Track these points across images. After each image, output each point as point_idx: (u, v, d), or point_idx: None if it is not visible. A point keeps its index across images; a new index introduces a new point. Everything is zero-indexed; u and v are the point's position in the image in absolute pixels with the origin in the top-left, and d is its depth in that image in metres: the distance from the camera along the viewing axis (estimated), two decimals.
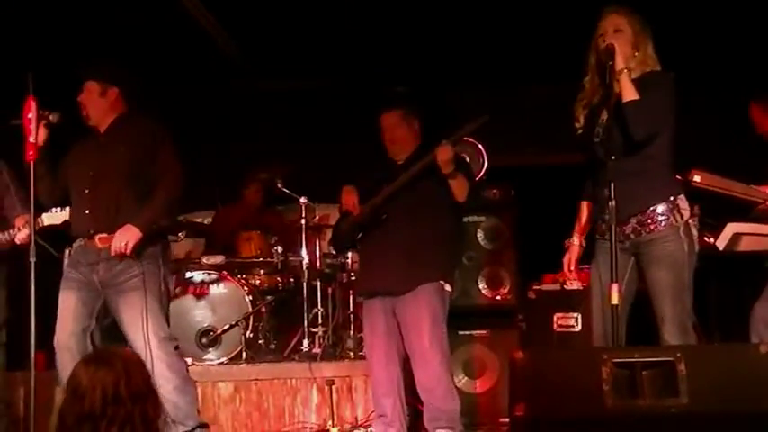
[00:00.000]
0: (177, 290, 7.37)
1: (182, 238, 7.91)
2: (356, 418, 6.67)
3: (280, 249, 7.90)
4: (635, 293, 4.81)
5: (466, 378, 6.82)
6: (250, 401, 6.73)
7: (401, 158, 6.01)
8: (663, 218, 4.66)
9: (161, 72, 8.42)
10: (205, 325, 7.47)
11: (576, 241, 5.07)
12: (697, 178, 4.67)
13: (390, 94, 8.44)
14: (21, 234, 5.83)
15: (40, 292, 5.06)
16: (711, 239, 5.21)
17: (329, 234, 6.98)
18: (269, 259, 8.03)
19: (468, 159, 6.75)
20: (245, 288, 7.69)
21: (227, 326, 7.44)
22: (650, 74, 4.73)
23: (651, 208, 4.67)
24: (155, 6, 7.57)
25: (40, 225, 5.59)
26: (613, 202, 4.43)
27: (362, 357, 6.40)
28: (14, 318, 6.03)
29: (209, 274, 7.64)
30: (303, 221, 7.73)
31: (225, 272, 7.73)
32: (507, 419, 4.54)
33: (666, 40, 4.88)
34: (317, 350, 7.30)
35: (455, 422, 5.80)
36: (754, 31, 7.87)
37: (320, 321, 7.59)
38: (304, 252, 7.68)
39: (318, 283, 7.73)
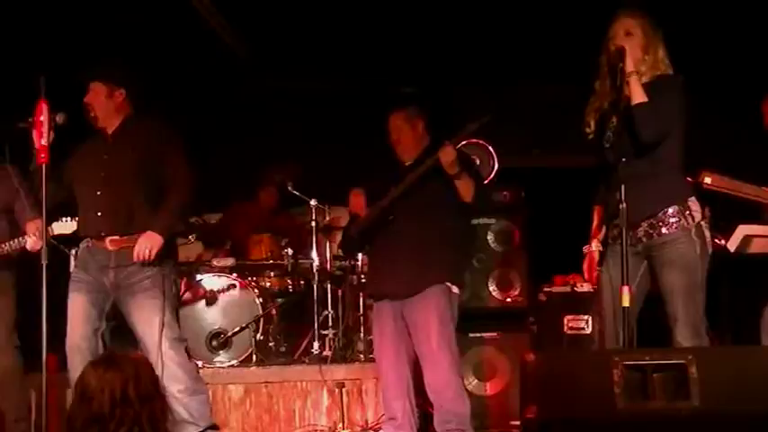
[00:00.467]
0: (188, 293, 7.40)
1: (192, 240, 7.92)
2: (366, 421, 6.67)
3: (290, 252, 7.89)
4: (645, 297, 4.80)
5: (476, 380, 6.81)
6: (260, 404, 6.73)
7: (408, 160, 6.01)
8: (674, 220, 4.65)
9: (172, 72, 8.41)
10: (215, 327, 7.46)
11: (594, 247, 5.06)
12: (708, 180, 4.67)
13: (398, 95, 8.42)
14: (31, 241, 5.83)
15: (51, 295, 5.06)
16: (722, 241, 5.19)
17: (339, 236, 6.98)
18: (279, 262, 8.03)
19: (478, 161, 6.75)
20: (256, 291, 7.69)
21: (238, 328, 7.43)
22: (660, 77, 4.73)
23: (662, 211, 4.67)
24: (165, 8, 7.57)
25: (50, 234, 5.59)
26: (624, 205, 4.43)
27: (373, 360, 6.39)
28: (25, 321, 6.04)
29: (219, 276, 7.64)
30: (313, 224, 7.72)
31: (235, 274, 7.73)
32: (518, 422, 4.52)
33: (676, 41, 4.87)
34: (327, 353, 7.29)
35: (465, 425, 5.78)
36: (764, 32, 7.84)
37: (330, 324, 7.58)
38: (314, 254, 7.68)
39: (329, 286, 7.72)
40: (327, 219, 7.97)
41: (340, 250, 7.18)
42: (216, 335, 7.44)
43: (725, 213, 5.24)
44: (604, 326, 4.80)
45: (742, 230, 5.12)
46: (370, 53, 8.62)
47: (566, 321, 7.08)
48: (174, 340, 5.48)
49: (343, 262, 7.75)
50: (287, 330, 7.94)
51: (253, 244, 8.27)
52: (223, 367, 7.25)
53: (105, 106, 5.62)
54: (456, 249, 5.94)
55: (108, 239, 5.52)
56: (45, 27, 7.51)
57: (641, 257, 4.74)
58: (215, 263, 7.81)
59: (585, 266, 5.11)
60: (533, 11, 7.85)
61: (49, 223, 5.48)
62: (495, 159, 7.01)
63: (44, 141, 5.18)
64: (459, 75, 9.09)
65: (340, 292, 7.80)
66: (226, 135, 9.38)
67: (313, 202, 7.73)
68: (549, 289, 7.29)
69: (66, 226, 5.79)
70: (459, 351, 5.94)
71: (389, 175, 6.01)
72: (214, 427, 5.67)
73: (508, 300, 6.92)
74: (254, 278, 7.99)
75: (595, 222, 5.06)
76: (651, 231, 4.68)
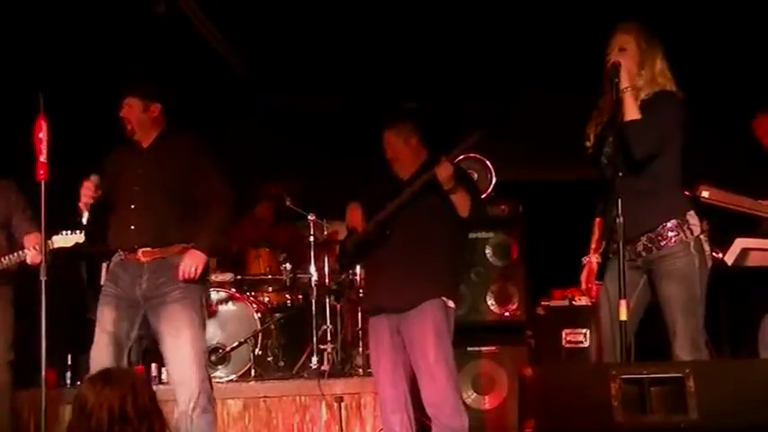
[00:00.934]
0: None
1: None
2: None
3: (288, 266, 7.91)
4: (644, 311, 4.80)
5: (475, 394, 6.81)
6: (259, 419, 6.74)
7: (405, 175, 6.02)
8: (673, 234, 4.66)
9: (171, 88, 8.42)
10: (214, 342, 7.46)
11: (592, 258, 5.06)
12: (705, 193, 4.67)
13: (397, 110, 8.44)
14: (31, 254, 5.84)
15: (50, 311, 5.07)
16: (720, 255, 5.20)
17: (337, 251, 6.98)
18: (278, 276, 8.05)
19: (475, 176, 6.76)
20: (254, 305, 7.70)
21: (236, 343, 7.44)
22: (658, 93, 4.73)
23: (661, 225, 4.68)
24: (164, 26, 7.59)
25: (51, 247, 5.60)
26: (621, 219, 4.44)
27: (371, 374, 6.39)
28: (23, 336, 6.04)
29: (218, 291, 7.65)
30: (312, 238, 7.74)
31: (234, 289, 7.74)
32: None
33: (676, 56, 4.88)
34: (325, 367, 7.30)
35: None
36: (759, 45, 7.87)
37: (329, 338, 7.59)
38: (313, 269, 7.69)
39: (327, 300, 7.73)
40: (325, 233, 7.98)
41: (337, 264, 7.18)
42: (214, 349, 7.44)
43: (722, 227, 5.25)
44: (602, 339, 4.81)
45: (739, 244, 5.12)
46: (369, 68, 8.64)
47: (564, 335, 7.09)
48: (197, 356, 5.46)
49: (341, 276, 7.75)
50: (285, 345, 7.94)
51: (252, 258, 8.29)
52: (222, 382, 7.25)
53: (141, 120, 5.62)
54: (452, 264, 5.95)
55: (141, 251, 5.51)
56: (49, 46, 7.53)
57: (641, 272, 4.75)
58: (214, 278, 7.80)
59: (583, 277, 5.11)
60: (532, 24, 7.88)
61: (48, 236, 5.49)
62: (493, 173, 7.01)
63: (43, 158, 5.19)
64: (458, 89, 9.11)
65: (338, 307, 7.81)
66: (224, 150, 9.35)
67: (311, 217, 7.74)
68: (547, 303, 7.32)
69: (66, 239, 5.80)
70: (457, 364, 5.94)
71: (387, 190, 6.02)
72: None
73: (506, 313, 6.92)
74: (253, 293, 8.00)
75: (596, 235, 5.06)
76: (650, 245, 4.69)
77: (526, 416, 3.79)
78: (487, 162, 7.01)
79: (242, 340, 7.43)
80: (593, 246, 5.07)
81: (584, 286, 5.14)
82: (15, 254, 5.94)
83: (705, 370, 3.88)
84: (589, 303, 6.81)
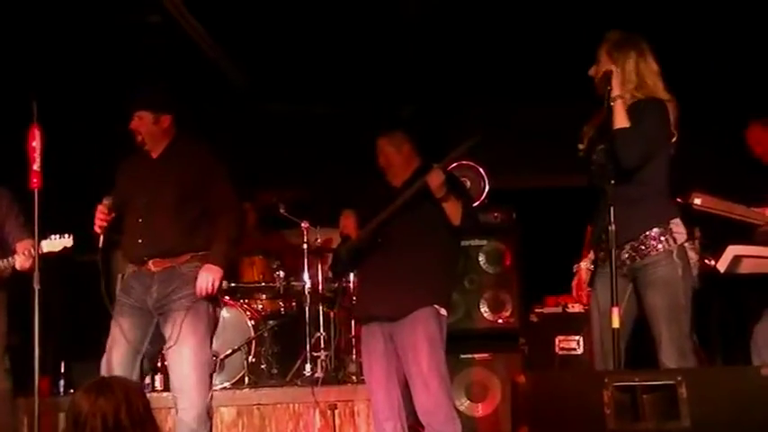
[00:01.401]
0: None
1: None
2: None
3: (282, 274, 7.92)
4: (634, 319, 4.80)
5: (468, 401, 6.82)
6: (253, 426, 6.73)
7: (398, 182, 6.03)
8: (655, 242, 4.66)
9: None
10: None
11: (584, 265, 5.07)
12: (697, 201, 4.68)
13: (392, 117, 8.45)
14: (20, 260, 5.85)
15: (43, 319, 5.07)
16: (712, 262, 5.21)
17: (331, 258, 6.98)
18: (271, 284, 8.04)
19: (468, 183, 6.77)
20: (248, 313, 7.69)
21: (230, 351, 7.43)
22: (642, 101, 4.73)
23: (644, 234, 4.67)
24: (159, 35, 7.60)
25: (40, 252, 5.60)
26: (613, 227, 4.44)
27: (364, 381, 6.39)
28: (17, 344, 6.04)
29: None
30: (305, 246, 7.74)
31: (227, 297, 7.73)
32: None
33: (668, 64, 4.89)
34: (319, 374, 7.29)
35: None
36: (751, 55, 7.89)
37: (322, 346, 7.59)
38: (306, 276, 7.69)
39: (320, 308, 7.73)
40: (319, 241, 7.98)
41: (330, 272, 7.19)
42: None
43: (715, 234, 5.26)
44: (594, 347, 4.81)
45: (732, 251, 5.13)
46: (363, 77, 8.64)
47: (557, 342, 7.09)
48: (201, 365, 5.47)
49: (334, 284, 7.75)
50: (279, 352, 7.94)
51: (245, 266, 8.27)
52: (215, 389, 7.22)
53: (152, 132, 5.64)
54: (444, 271, 5.95)
55: (151, 262, 5.54)
56: (44, 54, 7.52)
57: (627, 280, 4.75)
58: None
59: (574, 284, 5.13)
60: (526, 32, 7.88)
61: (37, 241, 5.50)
62: (486, 180, 7.03)
63: (36, 166, 5.20)
64: (455, 97, 9.12)
65: (332, 314, 7.80)
66: (219, 158, 9.37)
67: (305, 224, 7.74)
68: (540, 310, 7.32)
69: (54, 244, 5.81)
70: (450, 372, 5.94)
71: (381, 197, 6.03)
72: None
73: (500, 321, 6.93)
74: (247, 300, 7.99)
75: (588, 241, 5.08)
76: (634, 254, 4.69)
77: (519, 423, 3.81)
78: (480, 170, 7.03)
79: (235, 348, 7.42)
80: (584, 252, 5.09)
81: (574, 293, 5.15)
82: (6, 260, 5.95)
83: (697, 377, 3.89)
84: (583, 310, 6.82)
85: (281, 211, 8.09)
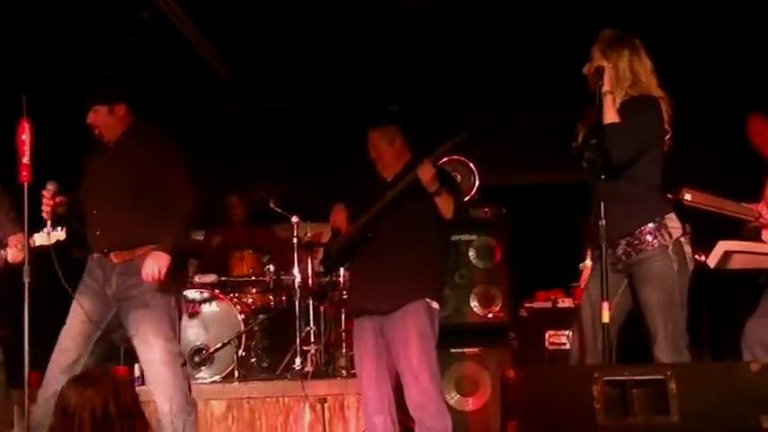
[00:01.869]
0: None
1: None
2: None
3: (272, 268, 7.92)
4: (626, 314, 4.81)
5: (458, 396, 6.82)
6: (243, 420, 6.73)
7: (389, 176, 6.04)
8: (651, 237, 4.66)
9: (154, 92, 8.42)
10: (197, 343, 7.45)
11: (588, 263, 5.06)
12: (688, 196, 4.69)
13: (382, 113, 8.45)
14: (12, 252, 5.83)
15: (35, 312, 5.06)
16: (702, 257, 5.22)
17: (321, 253, 6.98)
18: (261, 278, 8.04)
19: (459, 178, 6.77)
20: (238, 307, 7.69)
21: (220, 344, 7.43)
22: (635, 98, 4.73)
23: (639, 229, 4.68)
24: (147, 31, 7.60)
25: (32, 245, 5.58)
26: (603, 222, 4.44)
27: (355, 375, 6.38)
28: (8, 336, 6.02)
29: (201, 292, 7.64)
30: (295, 240, 7.73)
31: (217, 290, 7.73)
32: None
33: (662, 61, 4.89)
34: (309, 368, 7.30)
35: None
36: (745, 50, 7.90)
37: (312, 340, 7.59)
38: (296, 271, 7.69)
39: (311, 302, 7.73)
40: (309, 235, 7.98)
41: (321, 266, 7.19)
42: (198, 351, 7.43)
43: (705, 230, 5.26)
44: (584, 342, 4.81)
45: (722, 246, 5.14)
46: (354, 72, 8.64)
47: (547, 337, 7.10)
48: (170, 357, 5.45)
49: (324, 278, 7.75)
50: (269, 346, 7.95)
51: (235, 260, 8.27)
52: (205, 383, 7.24)
53: (108, 123, 5.64)
54: (436, 265, 5.96)
55: (112, 254, 5.53)
56: (34, 49, 7.51)
57: (623, 275, 4.75)
58: (197, 279, 7.80)
59: (582, 281, 5.12)
60: (519, 31, 7.89)
61: (30, 234, 5.49)
62: (477, 175, 7.02)
63: (26, 160, 5.18)
64: (443, 93, 9.12)
65: (322, 308, 7.81)
66: (208, 154, 9.36)
67: (295, 219, 7.74)
68: (530, 305, 7.33)
69: (47, 237, 5.79)
70: (440, 366, 5.95)
71: (372, 192, 6.03)
72: None
73: (489, 315, 6.92)
74: (237, 294, 7.99)
75: (587, 238, 5.08)
76: (629, 249, 4.70)
77: (509, 418, 3.80)
78: (471, 165, 7.02)
79: (225, 341, 7.42)
80: (586, 251, 5.09)
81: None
82: None
83: (687, 372, 3.89)
84: (573, 305, 6.83)
85: (271, 205, 8.09)
